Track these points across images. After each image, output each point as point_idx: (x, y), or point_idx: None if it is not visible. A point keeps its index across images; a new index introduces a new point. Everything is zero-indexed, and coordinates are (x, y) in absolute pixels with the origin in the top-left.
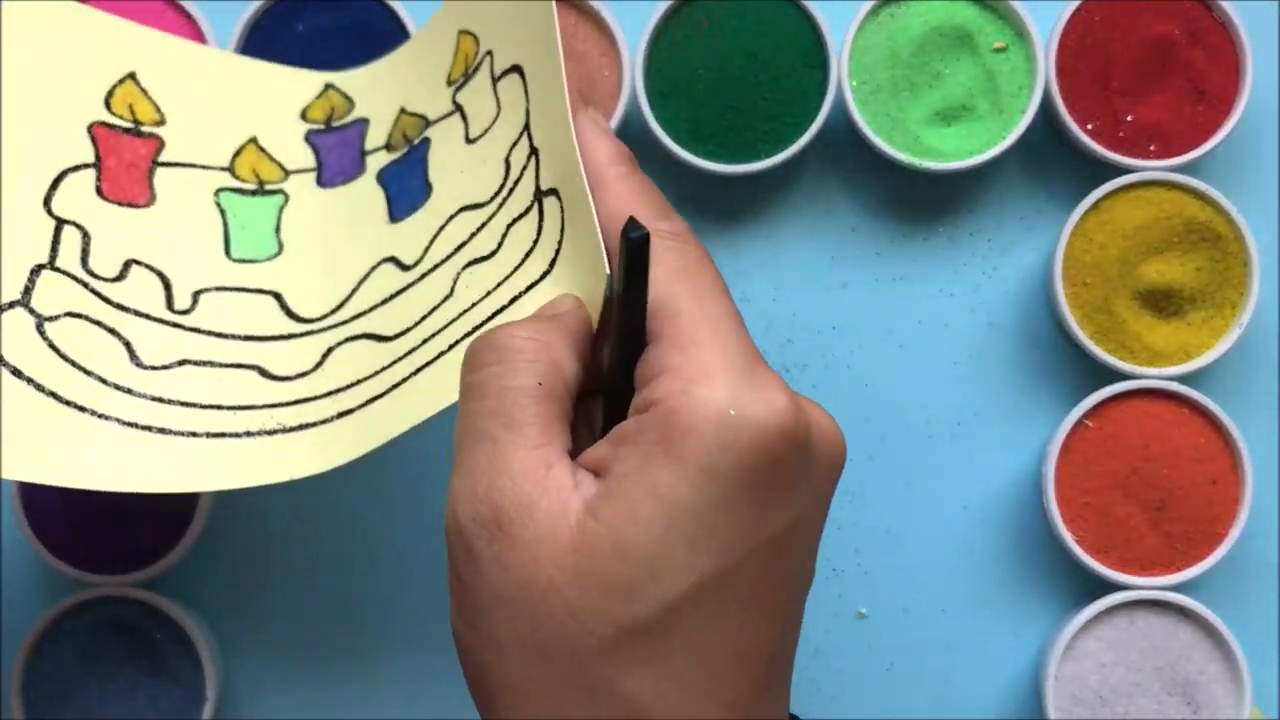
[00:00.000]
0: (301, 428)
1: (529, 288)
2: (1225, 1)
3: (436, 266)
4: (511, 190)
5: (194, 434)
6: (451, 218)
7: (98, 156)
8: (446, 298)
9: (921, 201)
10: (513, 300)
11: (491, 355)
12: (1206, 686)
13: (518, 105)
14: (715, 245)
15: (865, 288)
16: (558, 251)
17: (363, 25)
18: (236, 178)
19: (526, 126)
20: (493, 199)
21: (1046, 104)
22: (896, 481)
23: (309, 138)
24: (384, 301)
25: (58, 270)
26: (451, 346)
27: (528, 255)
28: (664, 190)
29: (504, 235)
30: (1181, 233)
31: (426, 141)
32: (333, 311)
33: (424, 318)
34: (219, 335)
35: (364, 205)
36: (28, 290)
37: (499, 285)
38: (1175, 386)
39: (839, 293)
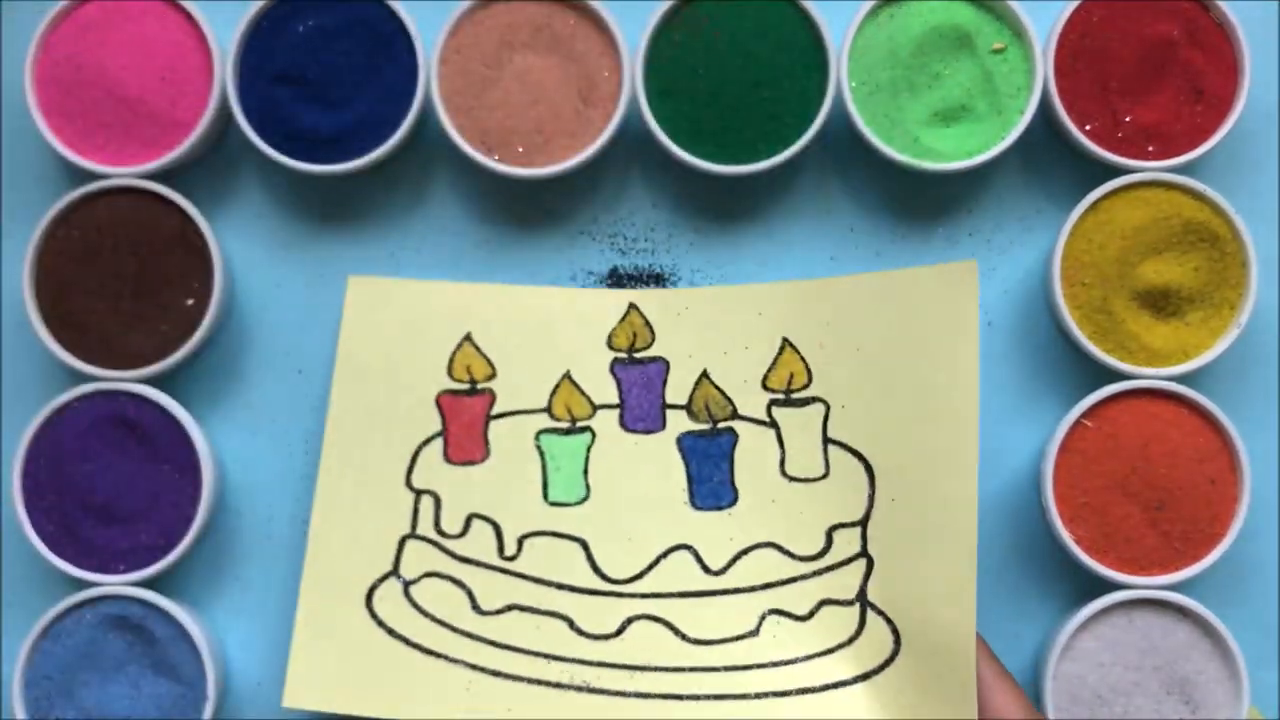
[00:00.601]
0: (601, 692)
1: (836, 685)
2: (1224, 1)
3: (740, 591)
4: (830, 569)
5: (519, 678)
6: (758, 546)
7: (444, 424)
8: (751, 633)
9: (921, 201)
10: (823, 688)
11: None
12: (1205, 686)
13: (854, 494)
14: (715, 245)
15: None
16: (877, 671)
17: (362, 25)
18: (553, 417)
19: (863, 526)
20: (808, 559)
21: (1045, 104)
22: None
23: (613, 368)
24: (683, 594)
25: (418, 538)
26: (759, 696)
27: (839, 648)
28: (664, 190)
29: (816, 608)
30: (1180, 233)
31: (733, 435)
32: (632, 579)
33: (725, 641)
34: (539, 581)
35: (663, 471)
36: (397, 559)
37: (806, 659)
38: (1174, 386)
39: None
